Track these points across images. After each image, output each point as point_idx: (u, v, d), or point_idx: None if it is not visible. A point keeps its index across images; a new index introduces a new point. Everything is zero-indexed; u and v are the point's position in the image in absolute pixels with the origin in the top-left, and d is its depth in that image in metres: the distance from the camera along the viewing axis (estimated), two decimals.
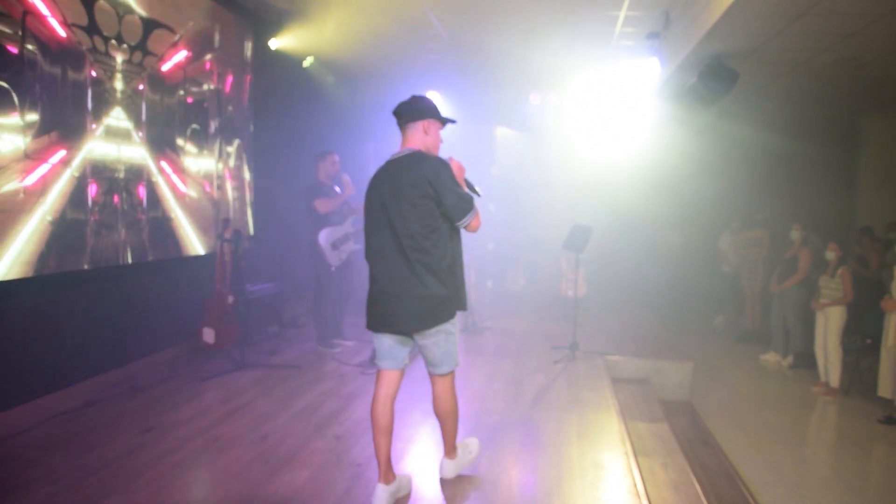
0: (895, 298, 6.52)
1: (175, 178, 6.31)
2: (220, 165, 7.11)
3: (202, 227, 6.75)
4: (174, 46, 6.17)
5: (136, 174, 5.79)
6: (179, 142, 6.40)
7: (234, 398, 5.33)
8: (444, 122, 3.73)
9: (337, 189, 6.82)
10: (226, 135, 7.20)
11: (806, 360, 8.42)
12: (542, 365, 6.67)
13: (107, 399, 5.18)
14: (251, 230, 7.71)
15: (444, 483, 3.87)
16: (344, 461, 4.12)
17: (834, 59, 7.42)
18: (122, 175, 5.60)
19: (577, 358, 6.91)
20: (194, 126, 6.61)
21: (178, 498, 3.59)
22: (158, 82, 6.01)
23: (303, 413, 5.01)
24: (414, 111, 3.62)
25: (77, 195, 5.09)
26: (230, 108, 7.27)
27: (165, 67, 6.08)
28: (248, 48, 7.62)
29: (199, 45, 6.63)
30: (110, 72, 5.38)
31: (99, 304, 5.50)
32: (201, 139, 6.76)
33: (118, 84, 5.47)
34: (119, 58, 5.45)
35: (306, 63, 8.74)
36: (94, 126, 5.24)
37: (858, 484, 5.52)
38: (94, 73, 5.19)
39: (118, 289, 5.71)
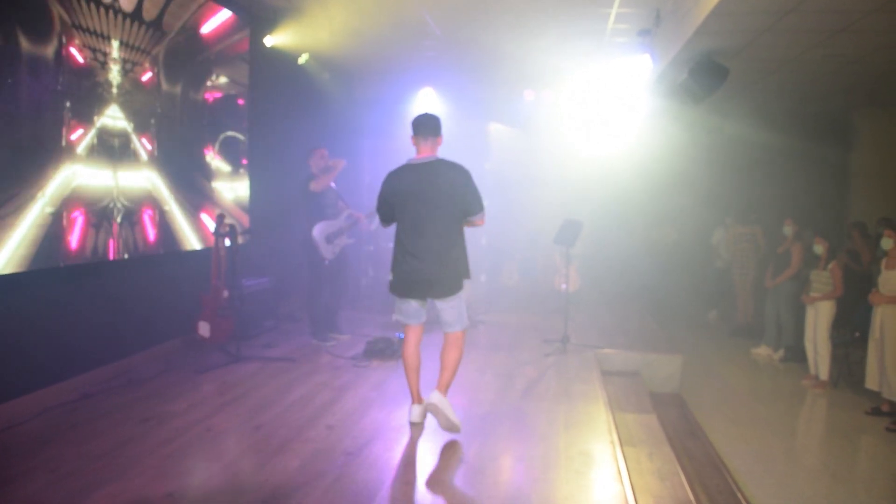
0: (881, 293, 6.60)
1: (170, 173, 6.38)
2: (216, 161, 7.18)
3: (196, 222, 6.83)
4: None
5: (133, 170, 5.86)
6: (176, 137, 6.47)
7: (228, 390, 5.42)
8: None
9: (332, 185, 6.92)
10: (221, 130, 7.26)
11: (797, 354, 8.52)
12: (534, 358, 6.77)
13: (104, 392, 5.26)
14: (247, 225, 7.78)
15: (434, 472, 3.97)
16: (335, 450, 4.21)
17: (824, 56, 7.50)
18: (118, 171, 5.67)
19: (569, 351, 7.00)
20: (187, 121, 6.67)
21: (173, 485, 3.68)
22: (160, 78, 6.08)
23: (296, 404, 5.10)
24: (435, 128, 4.59)
25: (75, 190, 5.16)
26: (226, 104, 7.34)
27: (167, 63, 6.15)
28: (244, 44, 7.68)
29: (192, 40, 6.70)
30: (104, 69, 5.44)
31: (97, 298, 5.58)
32: (197, 135, 6.83)
33: (114, 81, 5.54)
34: (111, 53, 5.52)
35: (301, 60, 8.81)
36: (95, 119, 5.31)
37: (844, 474, 5.62)
38: (89, 70, 5.26)
39: (116, 283, 5.79)
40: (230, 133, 6.91)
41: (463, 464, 4.10)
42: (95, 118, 5.33)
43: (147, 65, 5.92)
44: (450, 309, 4.53)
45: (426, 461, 4.14)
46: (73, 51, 5.04)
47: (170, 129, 6.27)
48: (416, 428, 4.64)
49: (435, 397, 4.44)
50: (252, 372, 5.96)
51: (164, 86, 6.20)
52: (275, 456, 4.10)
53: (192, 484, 3.74)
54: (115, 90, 5.54)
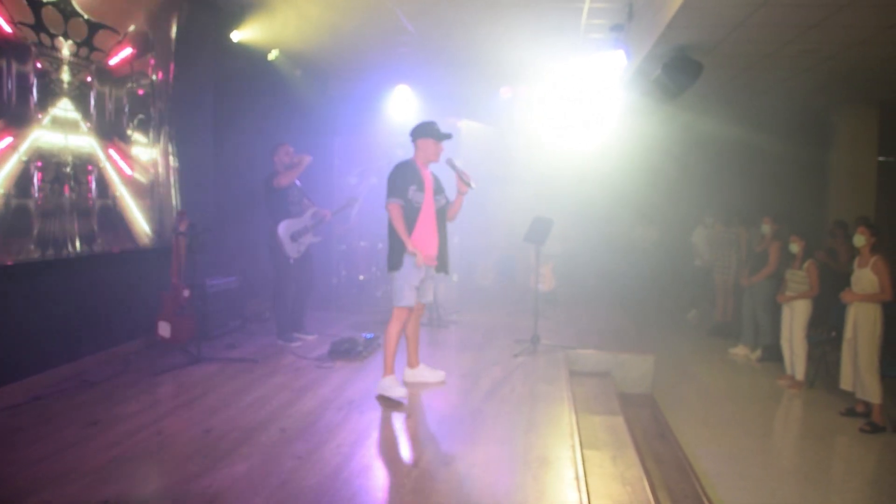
0: (854, 291, 6.52)
1: (124, 166, 6.20)
2: (173, 159, 6.99)
3: (153, 217, 6.65)
4: (121, 42, 6.08)
5: (85, 163, 5.69)
6: (129, 133, 6.29)
7: (184, 392, 5.27)
8: (437, 138, 5.45)
9: (297, 183, 6.79)
10: (179, 126, 7.07)
11: (775, 354, 8.42)
12: (502, 358, 6.64)
13: (56, 393, 5.11)
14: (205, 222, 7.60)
15: (383, 478, 3.85)
16: (285, 454, 4.07)
17: (798, 52, 7.42)
18: (70, 163, 5.50)
19: (538, 352, 6.88)
20: (141, 117, 6.47)
21: (110, 491, 3.53)
22: (106, 74, 5.91)
23: (251, 406, 4.96)
24: (412, 134, 5.47)
25: (24, 181, 5.00)
26: (183, 99, 7.13)
27: (113, 61, 5.99)
28: (210, 40, 7.51)
29: (151, 35, 6.53)
30: (57, 65, 5.29)
31: (52, 296, 5.42)
32: (151, 130, 6.65)
33: (65, 76, 5.38)
34: (66, 52, 5.37)
35: (271, 56, 8.67)
36: (40, 115, 5.15)
37: (817, 476, 5.53)
38: (40, 66, 5.10)
39: (72, 281, 5.63)
40: (142, 116, 6.58)
41: (415, 468, 3.97)
42: (53, 103, 5.28)
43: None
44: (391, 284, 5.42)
45: (377, 465, 4.01)
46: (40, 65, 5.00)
47: (103, 113, 6.05)
48: (372, 430, 4.52)
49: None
50: (211, 373, 5.81)
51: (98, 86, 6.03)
52: (221, 460, 3.97)
53: (130, 490, 3.59)
54: (66, 86, 5.41)
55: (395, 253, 5.23)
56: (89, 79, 5.68)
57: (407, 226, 5.20)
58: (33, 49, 5.04)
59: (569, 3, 7.23)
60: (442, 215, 5.49)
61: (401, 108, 11.25)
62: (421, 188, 5.27)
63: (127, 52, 6.13)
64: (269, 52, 8.66)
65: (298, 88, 9.72)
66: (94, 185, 5.81)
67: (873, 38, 6.87)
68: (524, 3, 7.24)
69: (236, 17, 7.82)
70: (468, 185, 5.30)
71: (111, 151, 6.01)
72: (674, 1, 6.05)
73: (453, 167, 5.34)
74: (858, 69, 8.33)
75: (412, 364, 5.72)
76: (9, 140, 4.84)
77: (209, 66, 7.57)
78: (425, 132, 5.39)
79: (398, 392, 5.13)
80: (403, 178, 5.25)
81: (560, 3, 7.20)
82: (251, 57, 8.38)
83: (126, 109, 6.20)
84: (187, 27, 7.01)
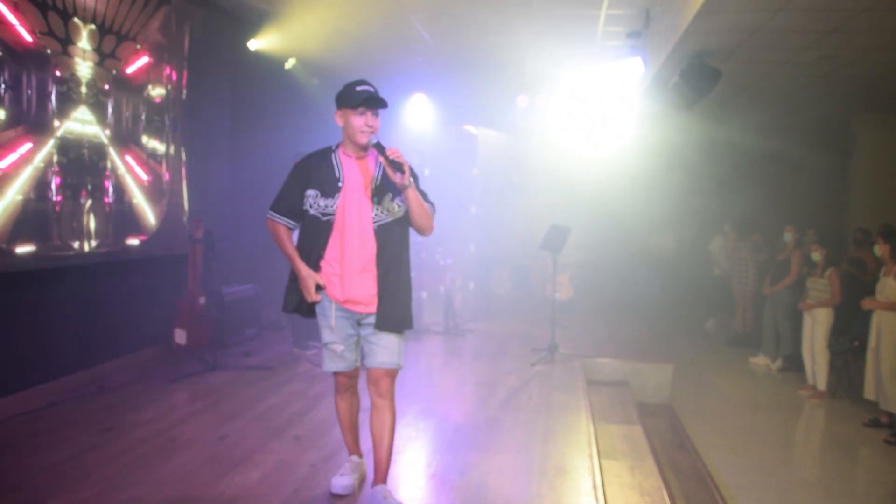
0: (877, 298, 6.41)
1: (140, 172, 6.23)
2: (187, 165, 7.02)
3: (168, 222, 6.67)
4: (137, 51, 6.13)
5: (101, 169, 5.72)
6: (145, 140, 6.33)
7: (199, 399, 5.27)
8: (352, 104, 3.31)
9: None
10: (195, 134, 7.11)
11: (795, 363, 8.30)
12: (518, 367, 6.59)
13: (71, 400, 5.12)
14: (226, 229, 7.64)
15: (399, 485, 3.80)
16: (298, 462, 4.05)
17: (817, 58, 7.33)
18: (87, 168, 5.54)
19: (556, 360, 6.82)
20: (157, 124, 6.51)
21: (123, 498, 3.52)
22: (124, 83, 5.95)
23: (266, 414, 4.94)
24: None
25: (41, 186, 5.04)
26: (200, 106, 7.17)
27: (130, 70, 6.03)
28: (227, 49, 7.56)
29: (167, 44, 6.58)
30: (75, 73, 5.33)
31: (68, 303, 5.45)
32: (166, 137, 6.68)
33: (83, 84, 5.42)
34: (84, 60, 5.41)
35: (288, 65, 8.71)
36: (58, 122, 5.19)
37: (839, 488, 5.42)
38: (59, 74, 5.15)
39: (88, 288, 5.65)
40: (157, 122, 6.61)
41: (430, 476, 3.93)
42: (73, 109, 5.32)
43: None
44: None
45: (392, 473, 3.96)
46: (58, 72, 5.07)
47: (121, 121, 6.06)
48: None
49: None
50: (227, 380, 5.80)
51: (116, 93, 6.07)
52: (235, 467, 3.95)
53: (144, 496, 3.58)
54: (85, 94, 5.45)
55: (291, 288, 3.56)
56: (107, 87, 5.72)
57: (313, 248, 3.40)
58: (52, 58, 5.09)
59: (585, 11, 7.20)
60: (391, 232, 3.38)
61: (417, 116, 11.26)
62: (332, 190, 3.34)
63: (143, 60, 6.18)
64: (286, 60, 8.70)
65: (315, 97, 9.75)
66: (111, 191, 5.84)
67: (893, 42, 6.77)
68: (540, 11, 7.22)
69: (253, 26, 7.86)
70: (392, 167, 3.19)
71: (128, 158, 6.05)
72: (691, 7, 6.01)
73: (380, 150, 3.25)
74: (879, 75, 8.21)
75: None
76: (28, 146, 4.88)
77: (225, 74, 7.61)
78: (338, 102, 3.37)
79: (338, 485, 3.64)
80: (296, 180, 3.47)
81: (577, 10, 7.18)
82: (268, 65, 8.41)
83: (142, 117, 6.24)
84: (203, 36, 7.05)
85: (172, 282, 6.58)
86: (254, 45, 7.90)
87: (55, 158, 5.17)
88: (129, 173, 6.10)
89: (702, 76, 7.12)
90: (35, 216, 5.00)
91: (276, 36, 7.95)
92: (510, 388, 5.83)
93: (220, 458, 4.09)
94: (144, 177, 6.30)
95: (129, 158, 6.07)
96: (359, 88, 3.28)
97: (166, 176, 6.66)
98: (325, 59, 9.20)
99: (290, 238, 3.50)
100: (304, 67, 9.11)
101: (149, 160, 6.39)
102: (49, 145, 5.10)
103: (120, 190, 5.98)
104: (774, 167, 11.87)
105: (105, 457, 4.05)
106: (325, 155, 3.44)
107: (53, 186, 5.17)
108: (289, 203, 3.45)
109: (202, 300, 6.37)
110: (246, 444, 4.33)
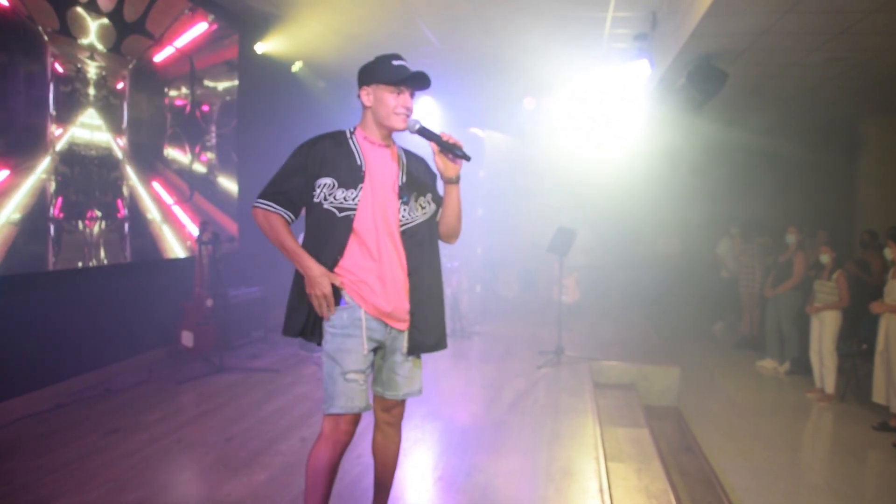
0: (885, 301, 6.38)
1: (155, 183, 6.27)
2: (203, 169, 7.06)
3: (181, 231, 6.70)
4: (155, 48, 6.15)
5: (114, 176, 5.74)
6: (160, 145, 6.36)
7: (205, 401, 5.27)
8: (391, 80, 2.73)
9: None
10: (208, 138, 7.16)
11: (803, 366, 8.26)
12: (525, 370, 6.58)
13: (78, 401, 5.14)
14: (235, 232, 7.66)
15: (406, 487, 3.79)
16: (305, 464, 4.03)
17: (825, 59, 7.30)
18: (98, 176, 5.55)
19: (562, 363, 6.80)
20: (176, 129, 6.57)
21: (130, 498, 3.53)
22: (139, 85, 5.97)
23: (272, 416, 4.94)
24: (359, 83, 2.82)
25: (49, 195, 5.05)
26: (214, 111, 7.23)
27: (146, 70, 6.05)
28: (233, 51, 7.58)
29: (181, 48, 6.60)
30: (85, 73, 5.35)
31: (75, 305, 5.46)
32: (183, 142, 6.72)
33: (93, 86, 5.43)
34: (98, 61, 5.43)
35: (295, 68, 8.72)
36: (72, 125, 5.21)
37: (848, 492, 5.36)
38: (72, 74, 5.16)
39: (95, 290, 5.67)
40: (176, 129, 6.69)
41: (437, 479, 3.92)
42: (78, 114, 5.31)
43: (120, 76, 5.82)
44: None
45: (397, 476, 3.95)
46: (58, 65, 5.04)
47: (135, 126, 6.05)
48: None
49: None
50: (233, 383, 5.80)
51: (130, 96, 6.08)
52: (242, 469, 3.96)
53: (150, 498, 3.58)
54: (93, 97, 5.44)
55: (294, 302, 2.86)
56: (120, 86, 5.73)
57: (330, 251, 2.70)
58: (63, 56, 5.09)
59: (592, 13, 7.19)
60: (421, 235, 2.78)
61: (424, 119, 11.23)
62: (353, 180, 2.68)
63: (163, 55, 6.21)
64: (293, 63, 8.71)
65: (322, 100, 9.76)
66: (124, 195, 5.86)
67: None
68: (547, 14, 7.21)
69: (260, 29, 7.88)
70: (453, 152, 2.71)
71: (139, 164, 6.07)
72: (698, 8, 5.99)
73: (424, 133, 2.75)
74: (887, 77, 8.17)
75: None
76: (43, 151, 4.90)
77: (233, 77, 7.62)
78: (368, 77, 2.76)
79: None
80: (304, 163, 2.76)
81: (583, 12, 7.17)
82: (275, 68, 8.43)
83: (156, 122, 6.25)
84: (210, 40, 7.07)
85: (178, 284, 6.58)
86: (261, 48, 7.91)
87: (69, 160, 5.17)
88: (145, 186, 6.13)
89: (709, 78, 7.09)
90: (45, 224, 4.99)
91: (283, 39, 7.97)
92: (517, 391, 5.81)
93: (226, 459, 4.10)
94: (162, 191, 6.32)
95: (141, 164, 6.09)
96: (396, 63, 2.70)
97: (182, 183, 6.70)
98: (331, 62, 9.22)
99: (290, 230, 2.77)
100: (311, 70, 9.12)
101: (163, 168, 6.42)
102: (63, 144, 5.10)
103: (134, 204, 6.00)
104: (782, 169, 11.81)
105: (112, 458, 4.06)
106: (339, 138, 2.80)
107: (66, 196, 5.19)
108: (289, 191, 2.74)
109: (209, 303, 6.38)
110: (252, 445, 4.33)
